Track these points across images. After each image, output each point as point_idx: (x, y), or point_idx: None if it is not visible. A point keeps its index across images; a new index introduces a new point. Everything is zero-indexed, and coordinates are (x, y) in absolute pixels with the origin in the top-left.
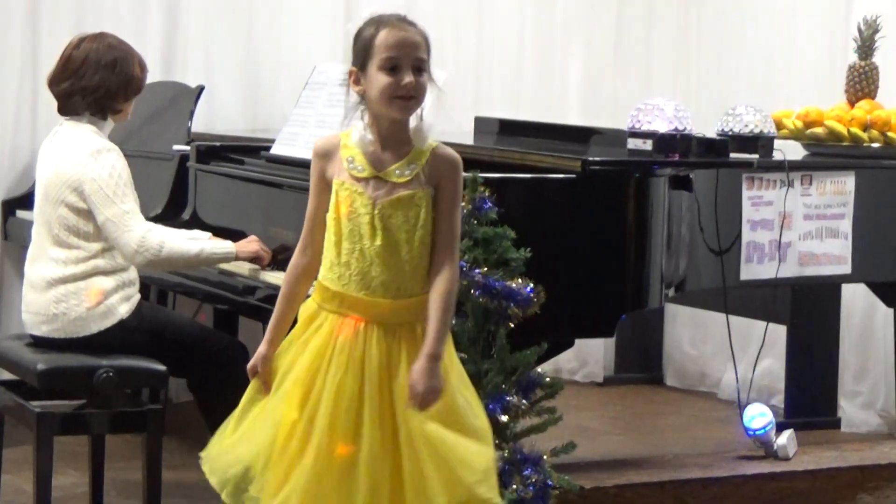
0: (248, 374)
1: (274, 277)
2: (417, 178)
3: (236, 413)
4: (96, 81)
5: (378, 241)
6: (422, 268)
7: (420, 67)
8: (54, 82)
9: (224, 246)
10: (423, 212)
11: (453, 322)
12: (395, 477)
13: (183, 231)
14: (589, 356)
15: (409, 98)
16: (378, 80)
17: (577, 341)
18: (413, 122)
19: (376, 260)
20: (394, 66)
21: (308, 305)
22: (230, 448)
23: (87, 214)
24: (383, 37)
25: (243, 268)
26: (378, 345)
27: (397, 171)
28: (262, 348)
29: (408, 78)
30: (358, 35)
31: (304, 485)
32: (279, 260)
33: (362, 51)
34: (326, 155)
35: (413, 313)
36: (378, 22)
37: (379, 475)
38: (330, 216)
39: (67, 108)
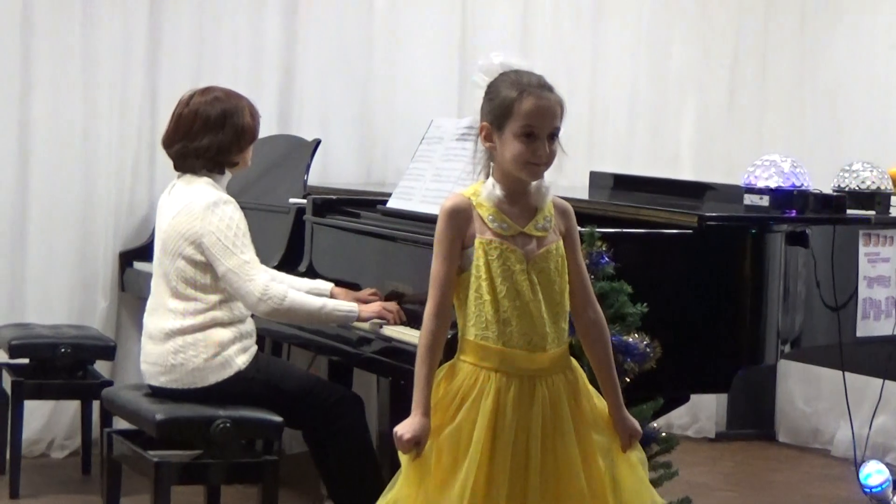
0: (406, 447)
1: (393, 332)
2: (553, 230)
3: (401, 485)
4: (207, 142)
5: (539, 296)
6: (566, 315)
7: (554, 135)
8: (168, 143)
9: (347, 306)
10: (563, 261)
11: None
12: None
13: (306, 280)
14: (701, 412)
15: (541, 164)
16: (514, 145)
17: (690, 396)
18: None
19: (537, 314)
20: (530, 133)
21: (457, 367)
22: None
23: (205, 267)
24: (526, 105)
25: (363, 322)
26: (534, 398)
27: (537, 226)
28: (425, 421)
29: (543, 148)
30: (496, 91)
31: None
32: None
33: (500, 111)
34: (461, 215)
35: (564, 361)
36: (521, 86)
37: None
38: (477, 276)
39: (184, 167)
